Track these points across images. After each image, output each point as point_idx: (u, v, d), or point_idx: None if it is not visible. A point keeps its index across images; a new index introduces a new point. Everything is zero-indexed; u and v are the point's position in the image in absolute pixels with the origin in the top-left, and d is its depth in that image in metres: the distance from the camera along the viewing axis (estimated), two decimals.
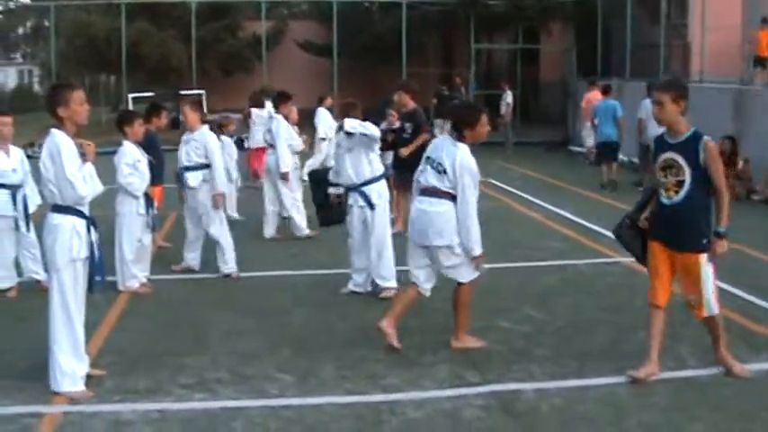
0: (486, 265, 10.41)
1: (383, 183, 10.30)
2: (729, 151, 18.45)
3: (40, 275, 10.35)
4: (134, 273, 10.47)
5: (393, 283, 10.17)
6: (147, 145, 11.19)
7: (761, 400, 7.06)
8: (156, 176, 11.63)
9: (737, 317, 9.11)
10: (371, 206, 10.08)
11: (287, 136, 13.98)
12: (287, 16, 41.74)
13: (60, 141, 7.04)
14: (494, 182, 20.53)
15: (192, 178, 11.19)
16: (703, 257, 7.27)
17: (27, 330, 8.87)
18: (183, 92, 31.97)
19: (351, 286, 10.43)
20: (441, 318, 8.98)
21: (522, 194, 18.49)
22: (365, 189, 10.12)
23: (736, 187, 17.98)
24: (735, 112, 20.10)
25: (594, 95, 23.43)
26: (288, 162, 13.85)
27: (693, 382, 7.46)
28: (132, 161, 10.40)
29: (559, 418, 6.70)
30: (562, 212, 15.50)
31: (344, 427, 6.57)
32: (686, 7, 28.67)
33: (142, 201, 10.48)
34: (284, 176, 13.70)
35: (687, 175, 7.14)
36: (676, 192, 7.19)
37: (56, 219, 7.08)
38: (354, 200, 10.21)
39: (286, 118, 14.29)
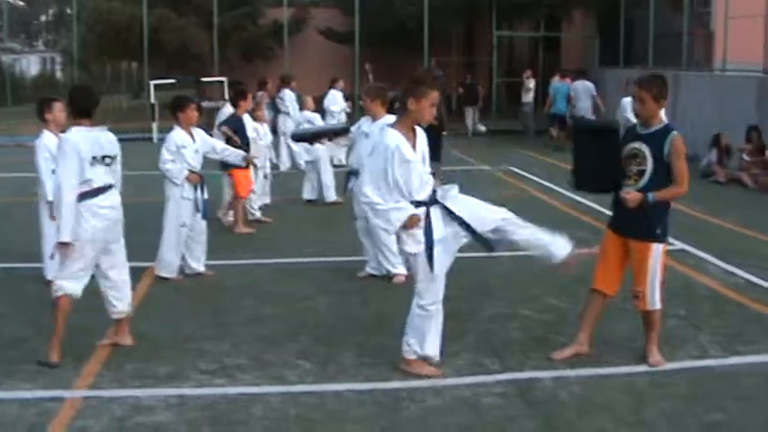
0: (508, 254, 10.40)
1: None
2: (757, 141, 18.42)
3: None
4: (170, 260, 10.45)
5: (402, 270, 10.22)
6: (236, 128, 12.51)
7: None
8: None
9: (760, 306, 9.09)
10: None
11: None
12: (308, 4, 41.67)
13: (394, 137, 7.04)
14: (514, 169, 20.51)
15: None
16: (655, 248, 7.33)
17: (48, 316, 8.92)
18: (204, 79, 32.01)
19: (368, 269, 10.53)
20: (461, 304, 8.98)
21: (543, 182, 18.44)
22: None
23: (760, 177, 17.92)
24: (758, 101, 20.00)
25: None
26: None
27: (715, 372, 7.43)
28: (176, 147, 10.31)
29: (578, 407, 6.68)
30: (583, 200, 15.40)
31: (364, 413, 6.58)
32: None
33: (188, 185, 10.37)
34: None
35: (649, 166, 7.19)
36: (636, 181, 7.25)
37: None
38: (354, 185, 10.29)
39: None
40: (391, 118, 10.38)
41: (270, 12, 36.56)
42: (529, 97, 28.86)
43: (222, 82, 30.42)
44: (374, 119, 10.27)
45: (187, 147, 10.30)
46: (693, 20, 28.52)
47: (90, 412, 6.56)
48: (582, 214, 14.65)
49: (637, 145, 7.26)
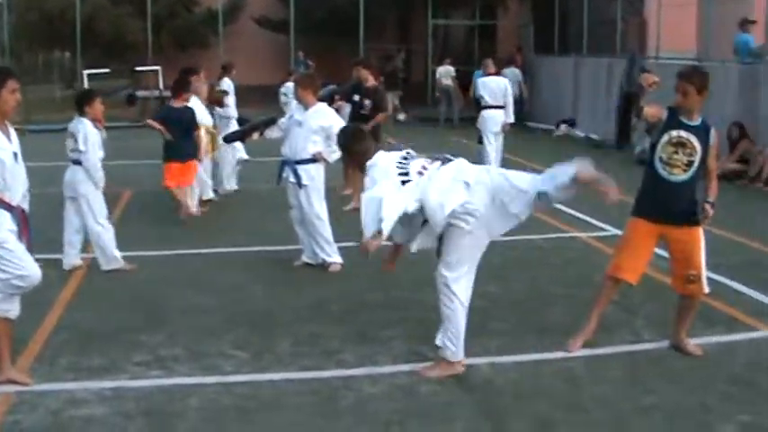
0: None
1: (320, 166, 10.31)
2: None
3: None
4: (112, 252, 10.30)
5: (337, 259, 10.31)
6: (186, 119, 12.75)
7: (714, 372, 7.15)
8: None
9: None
10: (300, 185, 10.16)
11: None
12: None
13: None
14: (448, 157, 20.52)
15: None
16: (701, 232, 7.43)
17: None
18: (138, 68, 31.72)
19: (304, 258, 10.53)
20: (400, 292, 8.98)
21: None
22: (298, 167, 10.17)
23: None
24: None
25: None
26: None
27: (648, 356, 7.53)
28: (94, 141, 10.12)
29: (514, 392, 6.73)
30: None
31: (300, 402, 6.56)
32: None
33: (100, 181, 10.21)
34: None
35: (698, 157, 7.28)
36: (685, 170, 7.29)
37: None
38: (287, 174, 10.29)
39: None
40: (322, 106, 10.42)
41: None
42: (449, 84, 29.52)
43: (157, 71, 30.15)
44: (306, 107, 10.26)
45: (96, 142, 10.17)
46: (627, 8, 28.74)
47: (23, 407, 6.46)
48: None
49: (684, 134, 7.29)
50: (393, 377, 7.01)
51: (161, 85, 29.67)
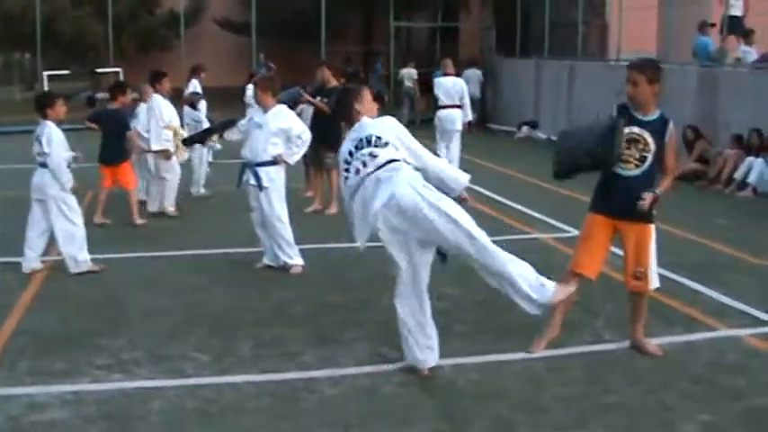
0: None
1: (280, 169, 10.30)
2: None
3: None
4: (85, 256, 10.28)
5: (298, 261, 10.34)
6: (118, 121, 12.90)
7: (674, 372, 7.20)
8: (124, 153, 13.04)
9: (654, 292, 9.24)
10: (260, 188, 10.14)
11: None
12: None
13: None
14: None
15: None
16: (653, 229, 7.45)
17: None
18: (98, 70, 31.54)
19: (265, 260, 10.52)
20: (362, 294, 8.98)
21: None
22: (258, 170, 10.15)
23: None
24: None
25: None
26: None
27: (609, 356, 7.57)
28: (57, 141, 10.07)
29: (476, 394, 6.75)
30: (477, 188, 15.48)
31: (261, 404, 6.56)
32: None
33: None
34: None
35: (651, 152, 7.29)
36: (637, 165, 7.31)
37: None
38: (248, 177, 10.27)
39: None
40: (282, 108, 10.42)
41: (165, 1, 36.11)
42: (412, 86, 29.65)
43: (117, 73, 30.00)
44: (265, 110, 10.25)
45: (61, 143, 10.12)
46: (588, 10, 28.90)
47: None
48: (477, 203, 14.76)
49: (637, 131, 7.30)
50: (354, 379, 7.02)
51: None
